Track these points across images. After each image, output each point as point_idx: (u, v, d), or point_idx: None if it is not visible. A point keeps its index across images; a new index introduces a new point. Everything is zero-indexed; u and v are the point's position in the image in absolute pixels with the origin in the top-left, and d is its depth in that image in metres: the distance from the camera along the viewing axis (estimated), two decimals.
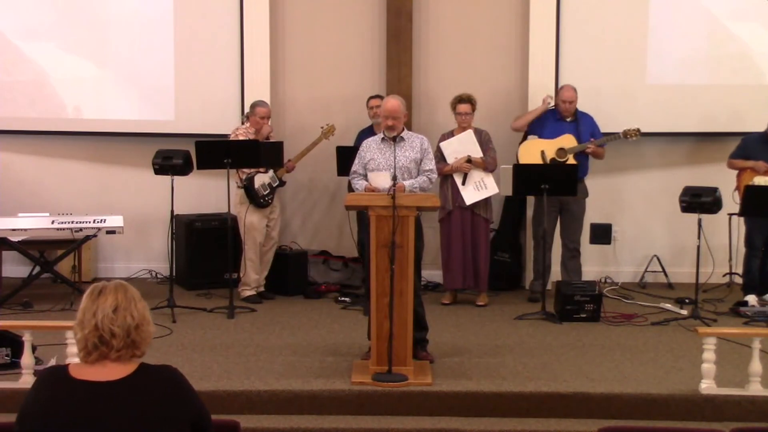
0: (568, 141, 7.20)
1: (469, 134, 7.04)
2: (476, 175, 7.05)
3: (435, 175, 5.72)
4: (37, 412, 2.53)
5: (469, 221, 7.10)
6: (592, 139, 7.20)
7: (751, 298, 7.03)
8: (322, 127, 7.39)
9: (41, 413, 2.52)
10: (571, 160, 7.13)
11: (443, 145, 7.06)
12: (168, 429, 2.55)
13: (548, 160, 7.17)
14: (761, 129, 7.21)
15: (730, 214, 7.37)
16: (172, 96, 8.02)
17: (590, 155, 7.26)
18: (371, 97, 7.45)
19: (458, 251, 7.10)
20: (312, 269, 7.80)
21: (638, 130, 7.15)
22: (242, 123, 7.43)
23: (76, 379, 2.56)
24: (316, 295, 7.48)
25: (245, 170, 7.13)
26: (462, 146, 7.04)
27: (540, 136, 7.29)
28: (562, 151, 7.16)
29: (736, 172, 7.26)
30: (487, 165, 7.03)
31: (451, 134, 7.16)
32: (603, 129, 7.31)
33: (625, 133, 7.16)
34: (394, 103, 5.55)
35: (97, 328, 2.57)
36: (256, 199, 7.16)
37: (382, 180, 5.39)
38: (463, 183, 7.03)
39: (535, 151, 7.22)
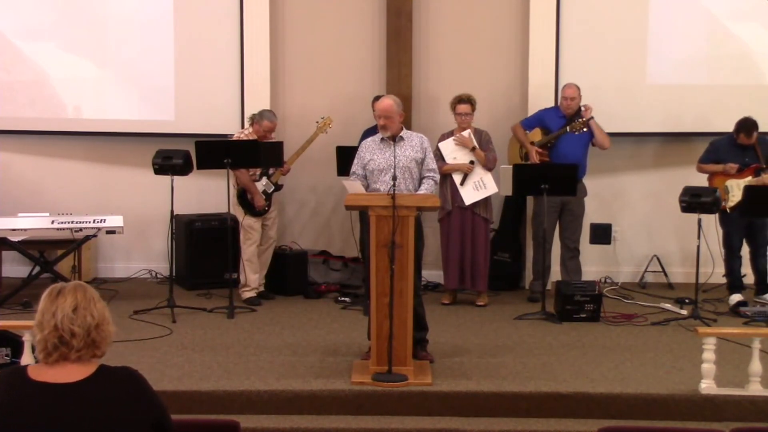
0: (536, 135, 7.33)
1: (468, 135, 7.04)
2: (476, 175, 7.05)
3: (438, 176, 5.75)
4: None
5: (468, 221, 7.10)
6: (552, 133, 7.27)
7: (736, 297, 7.06)
8: (317, 122, 7.37)
9: None
10: (535, 158, 7.16)
11: (441, 145, 7.06)
12: (128, 430, 2.54)
13: (523, 155, 7.41)
14: (764, 129, 7.22)
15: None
16: (172, 96, 8.01)
17: (595, 145, 7.27)
18: (375, 100, 7.40)
19: (457, 251, 7.10)
20: (312, 269, 7.79)
21: (584, 122, 7.10)
22: (243, 126, 7.41)
23: (35, 381, 2.54)
24: (316, 295, 7.47)
25: (238, 183, 7.11)
26: (461, 146, 7.04)
27: (533, 128, 7.45)
28: (532, 144, 7.29)
29: (709, 176, 7.24)
30: (487, 162, 7.03)
31: (450, 134, 7.16)
32: (603, 129, 7.30)
33: (571, 127, 7.13)
34: (387, 102, 5.56)
35: (57, 328, 2.55)
36: (252, 209, 7.15)
37: (356, 189, 5.40)
38: (462, 183, 7.04)
39: (516, 149, 7.52)
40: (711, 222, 7.11)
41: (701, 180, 7.13)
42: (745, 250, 7.29)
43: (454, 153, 7.05)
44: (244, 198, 7.14)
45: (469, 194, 7.03)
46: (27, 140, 8.17)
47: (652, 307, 7.11)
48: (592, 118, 7.18)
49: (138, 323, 6.31)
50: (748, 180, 6.95)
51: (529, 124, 7.44)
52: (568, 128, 7.15)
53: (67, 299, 2.59)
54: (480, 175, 7.05)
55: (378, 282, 5.07)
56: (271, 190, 7.26)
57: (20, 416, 2.48)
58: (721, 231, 7.21)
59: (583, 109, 7.22)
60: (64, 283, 2.69)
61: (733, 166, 7.03)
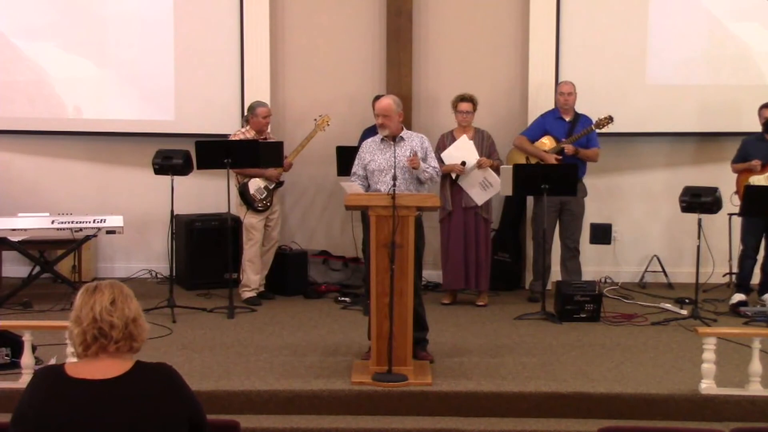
0: (546, 143, 7.23)
1: (464, 140, 7.00)
2: (478, 175, 7.01)
3: (440, 171, 5.79)
4: (34, 412, 2.52)
5: (471, 221, 7.10)
6: (563, 140, 7.19)
7: (737, 296, 7.06)
8: (315, 120, 7.36)
9: (38, 413, 2.52)
10: (551, 160, 7.13)
11: (444, 155, 6.99)
12: (165, 426, 2.56)
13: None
14: (758, 129, 7.21)
15: (730, 214, 7.37)
16: (172, 96, 8.01)
17: (581, 158, 7.21)
18: (375, 100, 7.39)
19: (459, 251, 7.09)
20: (312, 269, 7.79)
21: (610, 117, 7.11)
22: (242, 126, 7.41)
23: (73, 378, 2.57)
24: (316, 295, 7.47)
25: (241, 177, 7.11)
26: (459, 152, 6.99)
27: (538, 137, 7.31)
28: (547, 153, 7.18)
29: (737, 174, 7.24)
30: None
31: (450, 135, 7.14)
32: (601, 129, 7.28)
33: (597, 123, 7.13)
34: (386, 101, 5.58)
35: (96, 320, 2.59)
36: (253, 204, 7.15)
37: (354, 191, 5.43)
38: (454, 182, 7.02)
39: (519, 158, 7.30)
40: (711, 222, 7.11)
41: (700, 180, 7.12)
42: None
43: (454, 160, 6.98)
44: (245, 195, 7.13)
45: (479, 195, 7.00)
46: (27, 140, 8.17)
47: (652, 307, 7.11)
48: (577, 152, 7.17)
49: None
50: (767, 176, 6.95)
51: (533, 134, 7.36)
52: (593, 126, 7.12)
53: (104, 294, 2.65)
54: (483, 174, 7.01)
55: (378, 282, 5.07)
56: (273, 186, 7.26)
57: (60, 413, 2.51)
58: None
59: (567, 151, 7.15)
60: (99, 281, 2.73)
61: (756, 163, 7.02)
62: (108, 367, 2.58)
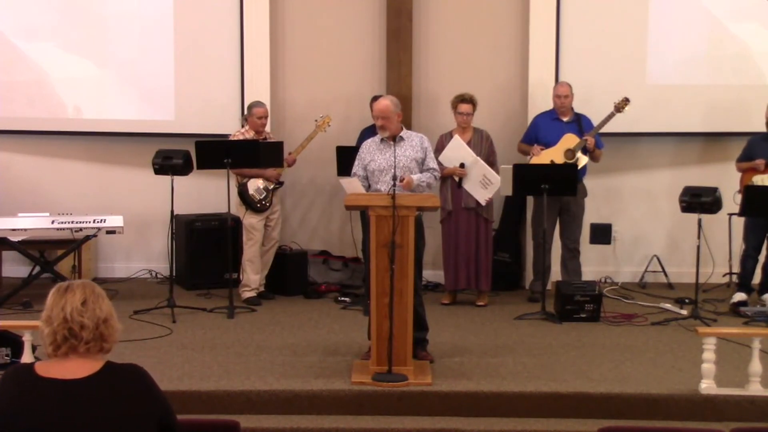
0: (571, 141, 7.14)
1: (457, 140, 6.96)
2: (477, 174, 6.96)
3: (439, 173, 5.77)
4: (3, 411, 2.52)
5: (473, 222, 7.09)
6: (584, 134, 7.18)
7: (738, 296, 7.05)
8: (316, 120, 7.36)
9: (7, 412, 2.52)
10: (583, 159, 7.12)
11: (440, 159, 6.94)
12: (134, 427, 2.56)
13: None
14: (760, 129, 7.20)
15: (730, 214, 7.37)
16: (172, 96, 8.01)
17: (589, 156, 7.23)
18: (373, 100, 7.38)
19: (461, 252, 7.08)
20: (312, 269, 7.79)
21: (627, 99, 7.08)
22: (242, 126, 7.43)
23: (42, 377, 2.57)
24: (316, 295, 7.47)
25: (240, 178, 7.12)
26: (454, 153, 6.96)
27: (539, 139, 7.28)
28: (569, 152, 7.12)
29: (741, 173, 7.22)
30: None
31: (449, 135, 7.12)
32: (622, 112, 7.16)
33: (617, 107, 7.09)
34: (384, 103, 5.57)
35: (66, 320, 2.58)
36: (252, 204, 7.14)
37: (354, 187, 5.43)
38: (459, 186, 7.00)
39: (545, 162, 7.16)
40: (711, 222, 7.11)
41: (701, 180, 7.12)
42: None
43: (450, 162, 6.95)
44: (244, 195, 7.13)
45: (480, 193, 6.90)
46: (27, 140, 8.17)
47: (652, 307, 7.11)
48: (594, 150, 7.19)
49: (138, 323, 6.31)
50: None
51: (527, 140, 7.39)
52: (614, 111, 7.08)
53: (76, 294, 2.63)
54: (482, 172, 6.94)
55: (378, 282, 5.07)
56: (273, 186, 7.26)
57: (30, 412, 2.51)
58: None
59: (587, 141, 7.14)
60: (72, 281, 2.72)
61: (759, 162, 7.00)
62: (78, 367, 2.58)
